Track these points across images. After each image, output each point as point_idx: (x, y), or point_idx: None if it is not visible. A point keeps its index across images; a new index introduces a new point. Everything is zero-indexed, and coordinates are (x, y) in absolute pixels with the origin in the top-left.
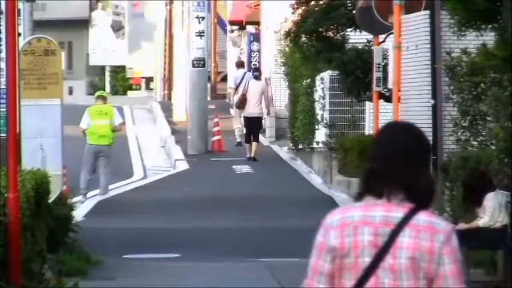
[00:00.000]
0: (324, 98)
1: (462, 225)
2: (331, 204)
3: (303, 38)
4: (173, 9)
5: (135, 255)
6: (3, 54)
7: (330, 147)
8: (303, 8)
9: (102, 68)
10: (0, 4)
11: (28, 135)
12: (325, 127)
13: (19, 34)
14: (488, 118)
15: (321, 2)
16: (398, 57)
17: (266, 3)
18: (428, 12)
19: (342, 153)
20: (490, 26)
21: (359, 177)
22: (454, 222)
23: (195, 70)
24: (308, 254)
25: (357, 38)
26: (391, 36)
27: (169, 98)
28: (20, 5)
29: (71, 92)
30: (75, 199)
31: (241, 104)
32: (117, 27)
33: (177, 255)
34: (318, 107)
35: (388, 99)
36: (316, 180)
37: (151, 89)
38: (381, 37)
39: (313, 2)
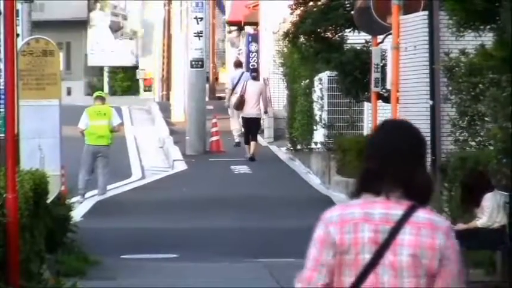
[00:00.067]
0: (322, 99)
1: (460, 226)
2: (329, 204)
3: (302, 39)
4: (171, 9)
5: (133, 255)
6: (2, 55)
7: (328, 148)
8: (302, 8)
9: (101, 68)
10: None
11: (26, 135)
12: (323, 128)
13: (17, 35)
14: (486, 119)
15: (319, 3)
16: (396, 57)
17: (264, 3)
18: (426, 12)
19: (340, 153)
20: (488, 27)
21: (356, 175)
22: (452, 223)
23: (194, 71)
24: (306, 254)
25: (355, 38)
26: (389, 36)
27: (168, 99)
28: (19, 6)
29: (69, 93)
30: (73, 199)
31: (240, 105)
32: (115, 28)
33: (175, 255)
34: (316, 107)
35: (386, 99)
36: (315, 181)
37: None
38: (380, 38)
39: (311, 3)
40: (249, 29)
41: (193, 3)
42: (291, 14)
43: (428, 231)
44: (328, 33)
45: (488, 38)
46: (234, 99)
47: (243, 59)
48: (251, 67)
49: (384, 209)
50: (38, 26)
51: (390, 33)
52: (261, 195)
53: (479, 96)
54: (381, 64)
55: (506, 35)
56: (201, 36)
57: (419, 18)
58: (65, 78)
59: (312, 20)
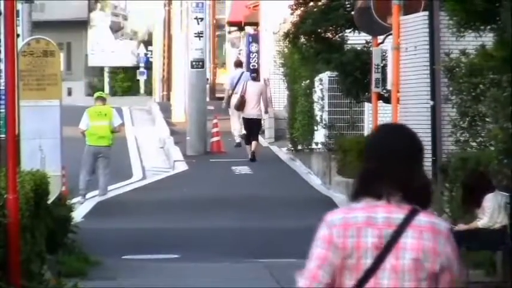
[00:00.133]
0: (322, 99)
1: (461, 226)
2: (330, 205)
3: (302, 39)
4: (172, 10)
5: (134, 255)
6: (2, 56)
7: (329, 148)
8: (302, 9)
9: (101, 69)
10: None
11: (27, 136)
12: (324, 128)
13: (18, 35)
14: (487, 119)
15: (319, 3)
16: (397, 58)
17: (265, 4)
18: (427, 13)
19: (341, 154)
20: (488, 27)
21: (354, 178)
22: (453, 223)
23: (194, 71)
24: (307, 255)
25: (355, 39)
26: (390, 37)
27: (168, 99)
28: (19, 6)
29: (69, 93)
30: (74, 200)
31: (241, 106)
32: (116, 28)
33: (176, 255)
34: (317, 108)
35: (387, 100)
36: (315, 181)
37: None
38: (380, 38)
39: (311, 3)
40: (249, 30)
41: (194, 3)
42: (291, 14)
43: (430, 235)
44: (329, 34)
45: (488, 38)
46: (235, 99)
47: (243, 60)
48: (251, 67)
49: (386, 212)
50: (38, 26)
51: (390, 34)
52: (262, 195)
53: (480, 96)
54: (382, 64)
55: (506, 35)
56: (202, 36)
57: (420, 18)
58: (66, 78)
59: (313, 21)
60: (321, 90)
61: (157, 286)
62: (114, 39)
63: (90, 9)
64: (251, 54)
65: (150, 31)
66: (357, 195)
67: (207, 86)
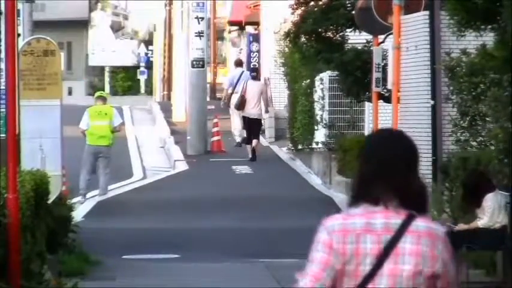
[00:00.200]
0: (323, 99)
1: (462, 226)
2: (330, 204)
3: (303, 39)
4: (172, 9)
5: (134, 255)
6: (3, 55)
7: (330, 148)
8: (302, 8)
9: (102, 68)
10: (0, 4)
11: (27, 135)
12: (324, 127)
13: (18, 35)
14: (487, 119)
15: (320, 3)
16: (397, 57)
17: (265, 3)
18: (427, 12)
19: (341, 153)
20: (489, 27)
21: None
22: (453, 223)
23: (195, 71)
24: (308, 255)
25: (356, 38)
26: (390, 36)
27: (169, 99)
28: (20, 6)
29: (70, 93)
30: (74, 200)
31: (241, 105)
32: (116, 28)
33: (176, 255)
34: (317, 107)
35: (387, 99)
36: (316, 181)
37: None
38: (381, 37)
39: (312, 3)
40: (250, 29)
41: (194, 3)
42: (292, 13)
43: (428, 240)
44: (329, 33)
45: (489, 38)
46: (235, 99)
47: (244, 59)
48: (252, 67)
49: (385, 218)
50: (39, 25)
51: (391, 33)
52: (262, 195)
53: (480, 96)
54: (382, 64)
55: (507, 35)
56: (202, 36)
57: (420, 18)
58: (66, 78)
59: (313, 20)
60: (322, 89)
61: (157, 286)
62: (114, 38)
63: (91, 9)
64: (252, 53)
65: (150, 31)
66: (355, 200)
67: (208, 85)
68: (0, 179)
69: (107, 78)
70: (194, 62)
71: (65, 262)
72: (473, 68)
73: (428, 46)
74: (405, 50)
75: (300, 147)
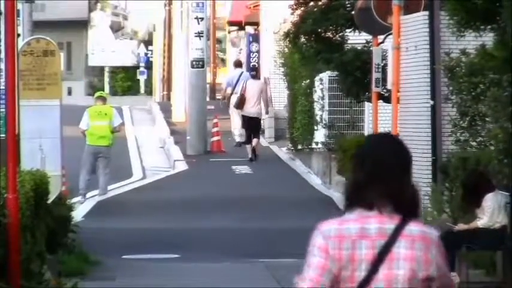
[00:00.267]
0: (323, 99)
1: (461, 226)
2: (330, 204)
3: (302, 39)
4: (172, 9)
5: (134, 255)
6: (3, 55)
7: (329, 148)
8: (302, 8)
9: (101, 68)
10: (0, 4)
11: (27, 135)
12: (324, 128)
13: (18, 35)
14: (487, 119)
15: (319, 3)
16: (397, 57)
17: (265, 4)
18: (427, 12)
19: (341, 153)
20: (489, 27)
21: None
22: (453, 223)
23: (194, 71)
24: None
25: (356, 38)
26: (390, 36)
27: (169, 99)
28: (19, 6)
29: (70, 93)
30: (74, 200)
31: (240, 104)
32: (116, 28)
33: (176, 255)
34: (317, 107)
35: (387, 99)
36: (315, 181)
37: None
38: (380, 38)
39: (312, 3)
40: (249, 29)
41: (194, 3)
42: (292, 14)
43: (422, 244)
44: (329, 33)
45: (489, 38)
46: (235, 99)
47: (243, 59)
48: (252, 67)
49: (379, 223)
50: (38, 26)
51: (391, 33)
52: (262, 195)
53: (480, 96)
54: (382, 64)
55: (507, 35)
56: (202, 36)
57: (420, 18)
58: (66, 78)
59: (313, 20)
60: (321, 89)
61: (157, 286)
62: (114, 39)
63: (91, 9)
64: (251, 54)
65: (150, 31)
66: (349, 205)
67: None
68: (0, 179)
69: (106, 79)
70: (194, 62)
71: (64, 262)
72: (472, 68)
73: (428, 46)
74: (405, 50)
75: (299, 147)
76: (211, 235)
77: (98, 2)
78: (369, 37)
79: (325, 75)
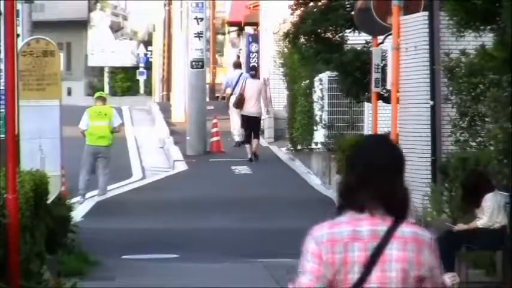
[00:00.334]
0: (322, 99)
1: (461, 226)
2: (330, 204)
3: (302, 39)
4: (172, 10)
5: (133, 255)
6: (2, 56)
7: (329, 148)
8: (302, 9)
9: (101, 69)
10: None
11: (27, 136)
12: (323, 128)
13: (18, 35)
14: (487, 119)
15: (319, 3)
16: (397, 58)
17: (265, 4)
18: (427, 13)
19: (341, 154)
20: (489, 27)
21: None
22: (453, 223)
23: (194, 71)
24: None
25: (355, 39)
26: (389, 37)
27: (168, 99)
28: (19, 6)
29: (69, 93)
30: (73, 200)
31: (240, 103)
32: (115, 28)
33: (175, 255)
34: (316, 107)
35: (386, 100)
36: (315, 181)
37: None
38: (380, 38)
39: (311, 3)
40: (249, 30)
41: (194, 3)
42: (291, 14)
43: (414, 245)
44: (329, 34)
45: (488, 39)
46: (234, 99)
47: (243, 60)
48: (251, 67)
49: (371, 225)
50: (38, 26)
51: (390, 34)
52: (262, 195)
53: (480, 96)
54: (381, 64)
55: (506, 35)
56: (201, 36)
57: (420, 18)
58: (66, 78)
59: (312, 21)
60: (321, 90)
61: (156, 286)
62: (114, 39)
63: (90, 9)
64: (251, 54)
65: (150, 31)
66: (341, 208)
67: (207, 86)
68: (0, 179)
69: (106, 79)
70: (193, 63)
71: (64, 262)
72: (472, 69)
73: (428, 47)
74: (404, 51)
75: (299, 147)
76: (211, 235)
77: (98, 2)
78: (369, 37)
79: (325, 76)
